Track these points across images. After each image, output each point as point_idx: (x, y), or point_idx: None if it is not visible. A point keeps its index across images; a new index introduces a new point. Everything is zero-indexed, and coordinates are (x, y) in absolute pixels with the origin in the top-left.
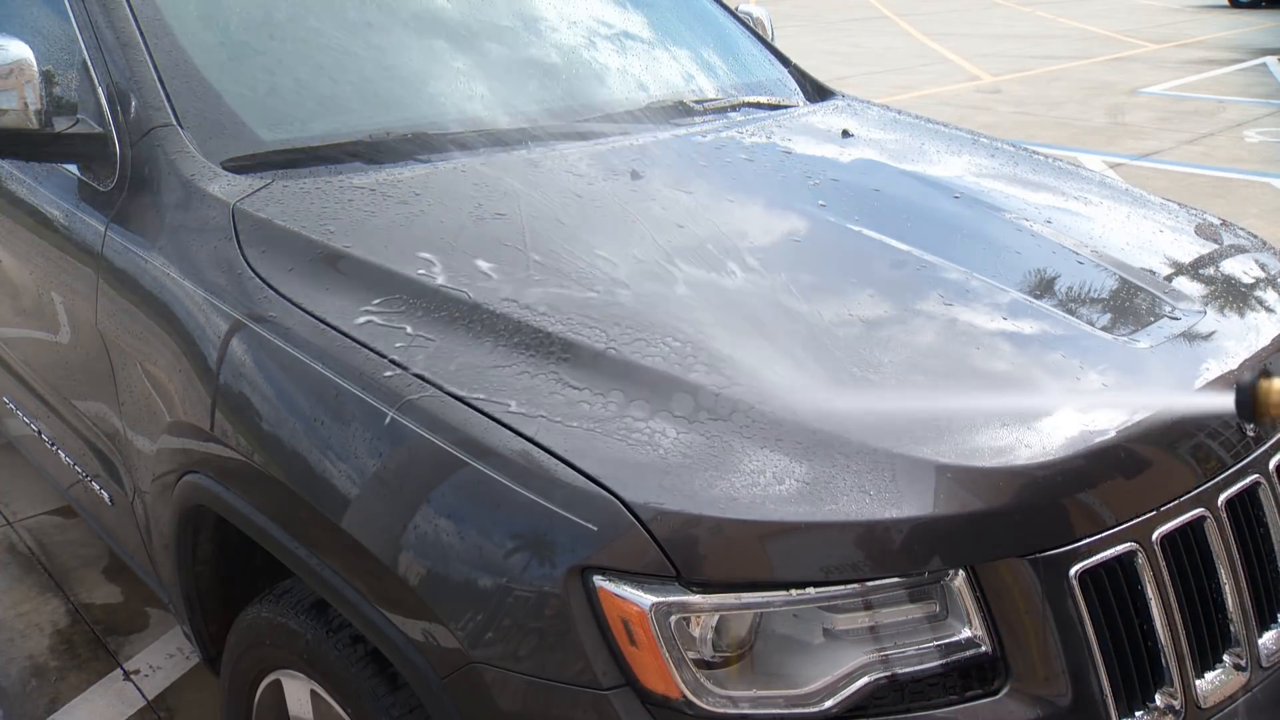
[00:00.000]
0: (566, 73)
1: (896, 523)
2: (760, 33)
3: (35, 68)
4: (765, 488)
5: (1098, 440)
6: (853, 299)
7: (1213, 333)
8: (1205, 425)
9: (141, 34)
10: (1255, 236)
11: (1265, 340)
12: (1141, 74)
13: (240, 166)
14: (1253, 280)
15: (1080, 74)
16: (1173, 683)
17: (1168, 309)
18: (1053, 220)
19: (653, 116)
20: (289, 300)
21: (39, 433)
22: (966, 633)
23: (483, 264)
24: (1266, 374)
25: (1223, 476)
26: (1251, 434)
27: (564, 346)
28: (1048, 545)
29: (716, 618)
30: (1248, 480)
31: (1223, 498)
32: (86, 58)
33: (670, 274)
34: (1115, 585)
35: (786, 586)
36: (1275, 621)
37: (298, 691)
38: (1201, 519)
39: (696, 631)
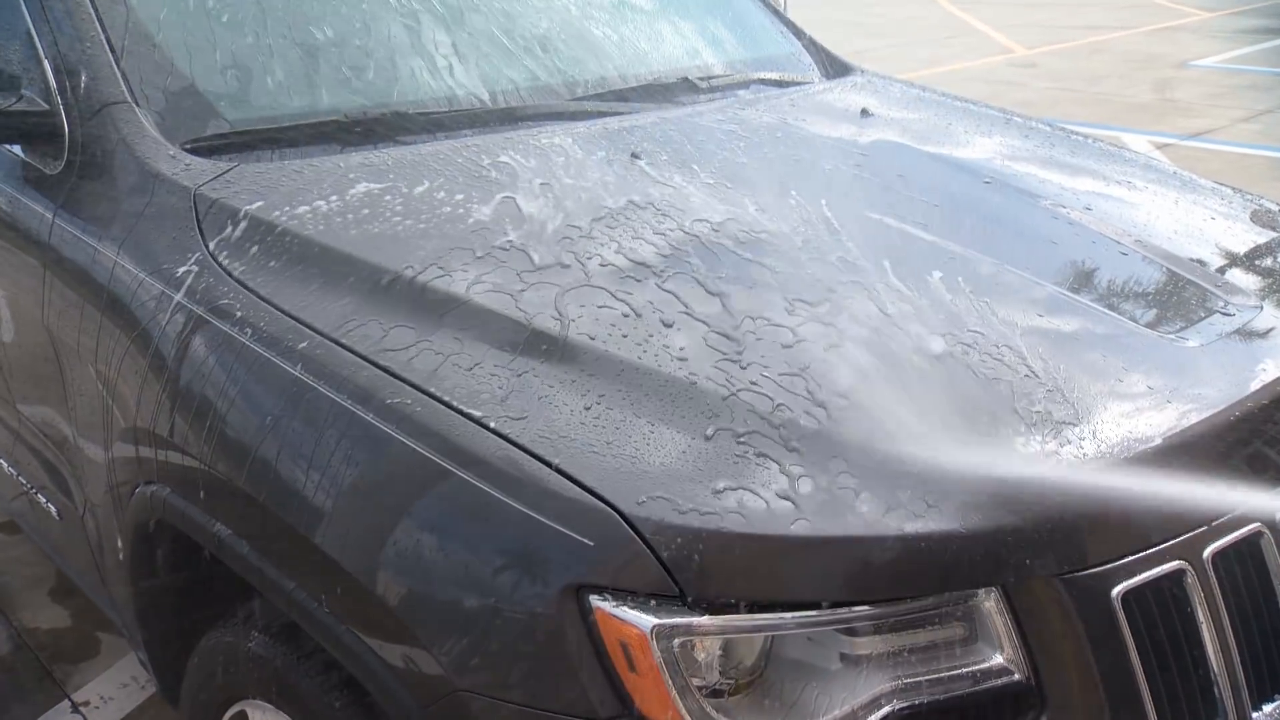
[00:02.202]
0: (559, 47)
1: (920, 538)
2: (772, 3)
3: None
4: (777, 499)
5: (1142, 448)
6: (872, 294)
7: (1270, 330)
8: (1261, 431)
9: (92, 0)
10: None
11: None
12: (1191, 45)
13: (203, 148)
14: None
15: (1123, 45)
16: (1227, 715)
17: (1220, 304)
18: (1093, 207)
19: (653, 94)
20: (256, 294)
21: None
22: (998, 659)
23: (470, 256)
24: None
25: None
26: None
27: (558, 346)
28: (1087, 563)
29: (723, 641)
30: None
31: None
32: (31, 26)
33: (671, 267)
34: (1162, 607)
35: (800, 607)
36: None
37: None
38: (1258, 535)
39: (702, 656)
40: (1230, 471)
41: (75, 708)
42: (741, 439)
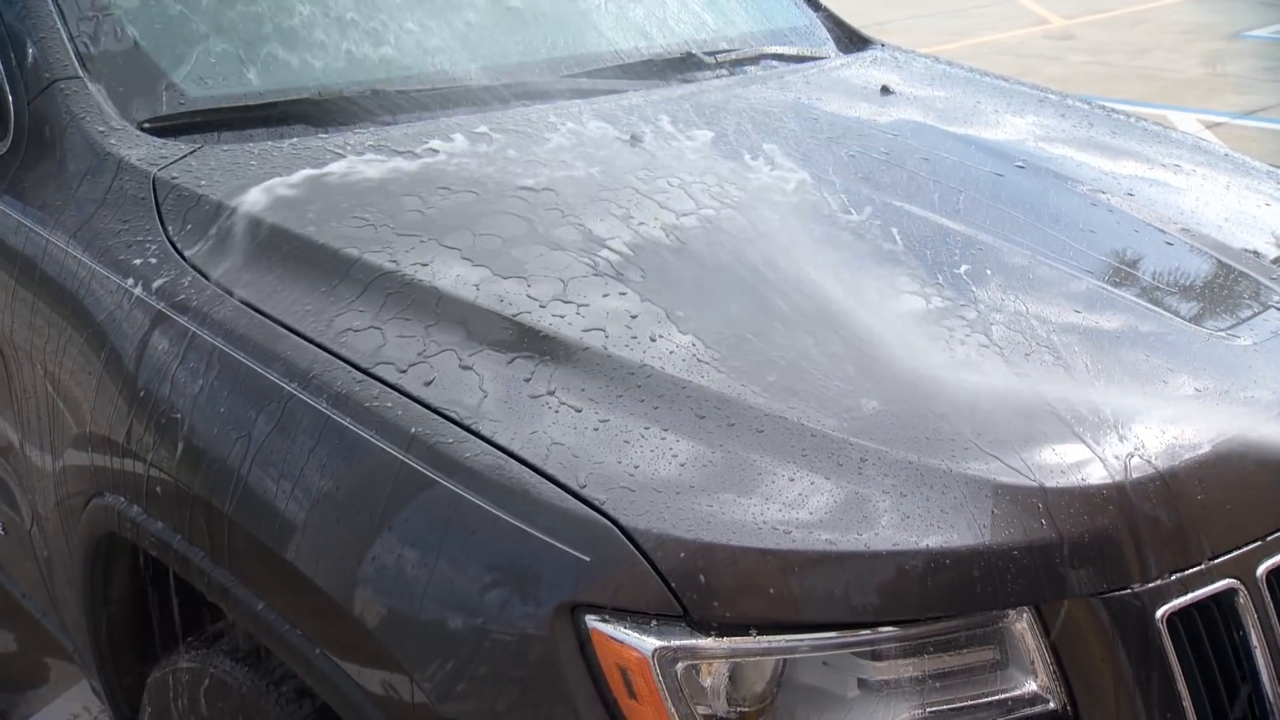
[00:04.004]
0: (553, 19)
1: (945, 553)
2: None
3: None
4: (789, 511)
5: (1188, 456)
6: (895, 289)
7: None
8: None
9: None
10: None
11: None
12: (1245, 13)
13: (162, 128)
14: None
15: (1170, 14)
16: None
17: (1274, 298)
18: (1136, 192)
19: (656, 71)
20: (221, 287)
21: None
22: (1031, 685)
23: (454, 246)
24: None
25: None
26: None
27: (550, 345)
28: (1129, 581)
29: (731, 665)
30: None
31: None
32: None
33: (675, 260)
34: (1212, 630)
35: (814, 628)
36: None
37: None
38: None
39: (707, 681)
40: None
41: None
42: (751, 445)
